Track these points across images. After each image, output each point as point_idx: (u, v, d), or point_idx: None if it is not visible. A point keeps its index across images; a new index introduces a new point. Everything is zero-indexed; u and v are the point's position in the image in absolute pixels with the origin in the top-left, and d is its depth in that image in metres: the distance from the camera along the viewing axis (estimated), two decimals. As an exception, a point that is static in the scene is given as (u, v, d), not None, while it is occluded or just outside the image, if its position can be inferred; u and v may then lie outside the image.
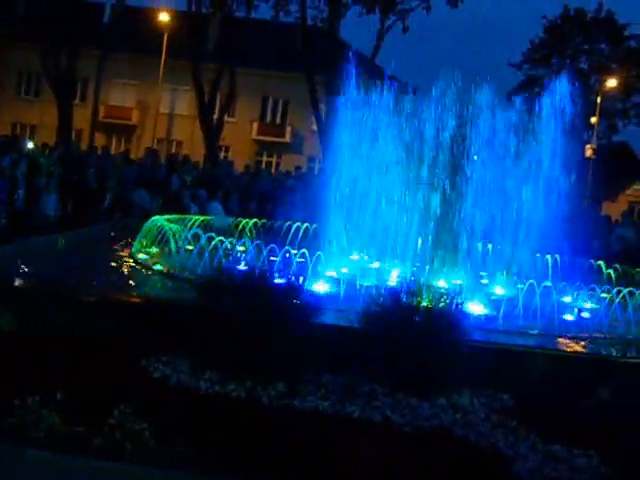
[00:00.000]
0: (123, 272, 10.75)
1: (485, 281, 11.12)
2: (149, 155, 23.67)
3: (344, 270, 10.94)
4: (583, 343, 8.66)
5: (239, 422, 5.36)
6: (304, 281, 7.48)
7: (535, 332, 8.93)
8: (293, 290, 6.84)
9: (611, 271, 11.81)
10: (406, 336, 6.55)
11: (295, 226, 13.47)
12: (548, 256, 11.57)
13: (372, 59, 35.45)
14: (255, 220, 14.49)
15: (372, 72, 35.66)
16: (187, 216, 14.56)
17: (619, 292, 9.57)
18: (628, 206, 36.91)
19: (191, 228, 12.33)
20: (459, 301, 7.14)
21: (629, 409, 6.46)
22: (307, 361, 6.54)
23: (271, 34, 41.11)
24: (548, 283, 9.44)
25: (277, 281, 6.98)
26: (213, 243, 10.44)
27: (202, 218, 14.19)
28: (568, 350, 8.28)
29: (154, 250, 12.16)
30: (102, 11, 35.73)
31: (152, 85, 43.70)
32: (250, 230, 13.96)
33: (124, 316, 7.32)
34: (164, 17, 40.33)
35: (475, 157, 10.97)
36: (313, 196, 19.29)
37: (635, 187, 52.32)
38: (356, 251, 11.89)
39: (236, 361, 6.31)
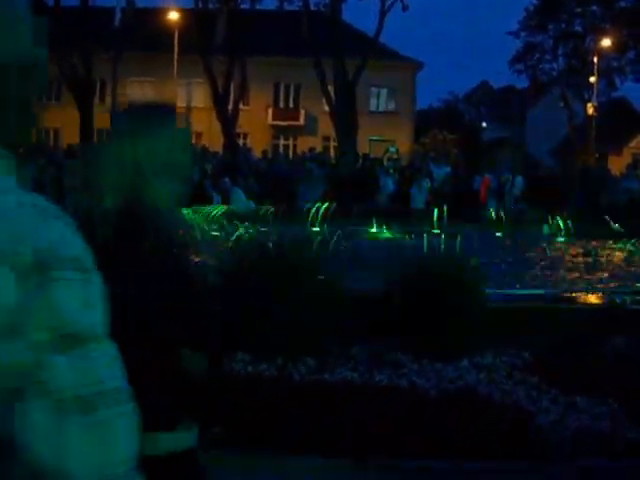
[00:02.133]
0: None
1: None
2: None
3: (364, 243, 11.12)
4: (597, 294, 8.79)
5: (272, 399, 5.53)
6: (325, 256, 7.64)
7: (550, 288, 9.06)
8: (316, 265, 7.02)
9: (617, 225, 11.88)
10: (426, 302, 6.73)
11: (315, 207, 13.68)
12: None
13: (375, 38, 35.67)
14: (275, 204, 14.68)
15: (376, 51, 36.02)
16: (210, 206, 14.77)
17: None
18: (632, 159, 36.66)
19: (214, 217, 12.55)
20: (475, 264, 7.30)
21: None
22: (334, 334, 6.71)
23: (277, 23, 41.53)
24: (561, 239, 9.57)
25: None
26: (237, 232, 10.64)
27: (224, 207, 14.38)
28: (582, 302, 8.41)
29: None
30: (113, 14, 36.05)
31: (167, 81, 43.98)
32: (272, 213, 14.16)
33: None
34: (174, 15, 40.83)
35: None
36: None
37: (638, 139, 52.29)
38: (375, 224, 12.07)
39: (265, 340, 6.51)
